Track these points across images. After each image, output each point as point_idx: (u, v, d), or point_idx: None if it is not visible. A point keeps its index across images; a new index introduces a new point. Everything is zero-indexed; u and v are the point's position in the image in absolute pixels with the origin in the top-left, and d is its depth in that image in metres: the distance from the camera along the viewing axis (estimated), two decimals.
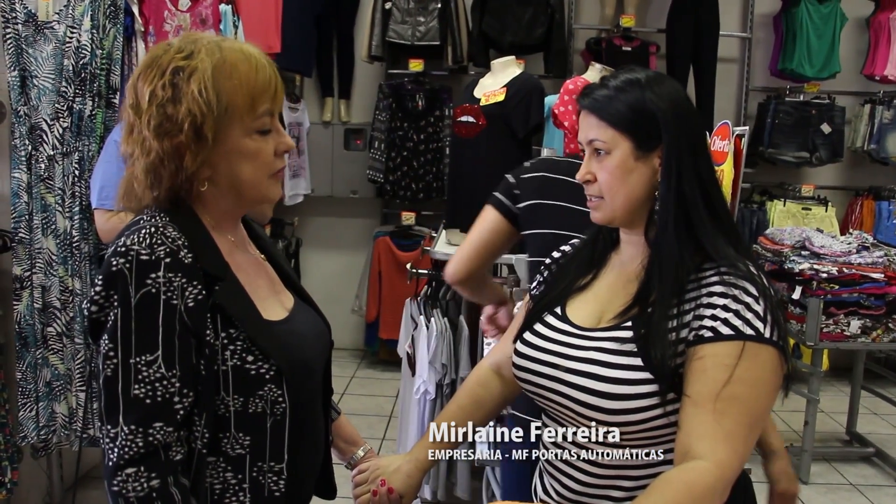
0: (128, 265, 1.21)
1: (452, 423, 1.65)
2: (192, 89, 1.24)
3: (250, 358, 1.28)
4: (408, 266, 3.36)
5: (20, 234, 2.94)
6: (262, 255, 1.48)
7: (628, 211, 1.39)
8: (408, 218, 5.53)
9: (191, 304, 1.23)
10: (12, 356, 3.06)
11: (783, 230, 4.50)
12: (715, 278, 1.32)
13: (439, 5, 5.47)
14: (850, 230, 5.07)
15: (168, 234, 1.24)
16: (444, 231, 3.47)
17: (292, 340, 1.36)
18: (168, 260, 1.22)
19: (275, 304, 1.40)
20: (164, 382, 1.21)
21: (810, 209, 5.66)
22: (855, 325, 4.11)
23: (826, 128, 5.69)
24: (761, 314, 1.27)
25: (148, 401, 1.20)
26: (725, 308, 1.27)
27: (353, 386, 5.45)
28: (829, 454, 4.53)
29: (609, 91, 1.38)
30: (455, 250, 3.28)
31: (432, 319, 3.17)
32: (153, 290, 1.20)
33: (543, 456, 1.49)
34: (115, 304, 1.21)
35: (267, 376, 1.29)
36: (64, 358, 3.02)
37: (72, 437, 3.09)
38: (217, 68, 1.26)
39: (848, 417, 4.77)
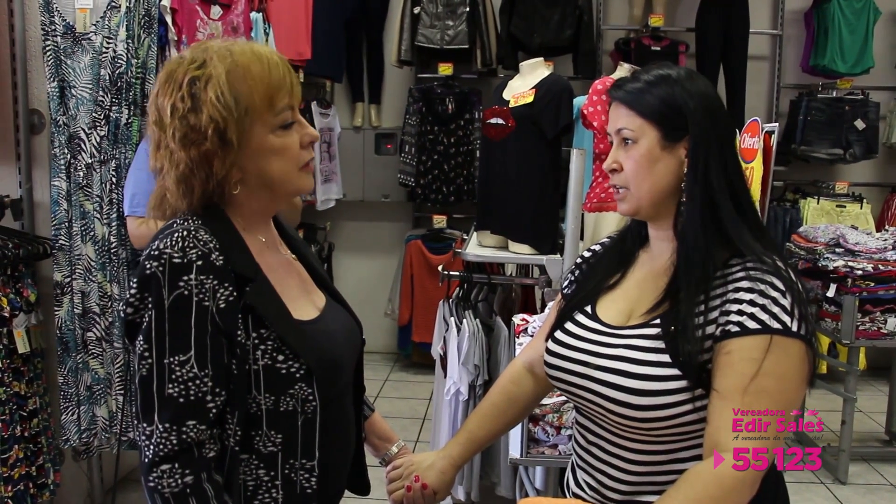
0: (161, 268, 1.24)
1: (485, 421, 1.67)
2: (210, 96, 1.27)
3: (281, 357, 1.31)
4: (439, 268, 3.37)
5: (60, 241, 3.00)
6: (294, 256, 1.51)
7: (653, 202, 1.40)
8: (439, 221, 5.54)
9: (222, 306, 1.26)
10: (54, 361, 3.12)
11: (817, 228, 4.45)
12: (741, 273, 1.32)
13: (468, 9, 5.49)
14: (886, 227, 5.00)
15: (200, 238, 1.27)
16: (475, 233, 3.48)
17: (322, 340, 1.38)
18: (200, 263, 1.25)
19: (306, 304, 1.43)
20: (197, 382, 1.24)
21: (845, 206, 5.58)
22: (892, 322, 4.05)
23: (860, 124, 5.61)
24: (788, 308, 1.27)
25: (181, 399, 1.23)
26: (752, 303, 1.27)
27: (386, 389, 5.48)
28: (867, 454, 4.48)
29: (640, 84, 1.40)
30: (486, 252, 3.30)
31: (464, 321, 3.18)
32: (185, 293, 1.24)
33: (576, 451, 1.51)
34: (150, 306, 1.24)
35: (297, 375, 1.32)
36: (104, 362, 3.08)
37: (112, 440, 3.14)
38: (230, 72, 1.29)
39: (887, 417, 4.71)
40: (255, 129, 1.31)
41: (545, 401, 2.58)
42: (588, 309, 1.49)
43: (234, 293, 1.28)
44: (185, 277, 1.24)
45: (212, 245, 1.27)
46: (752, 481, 1.22)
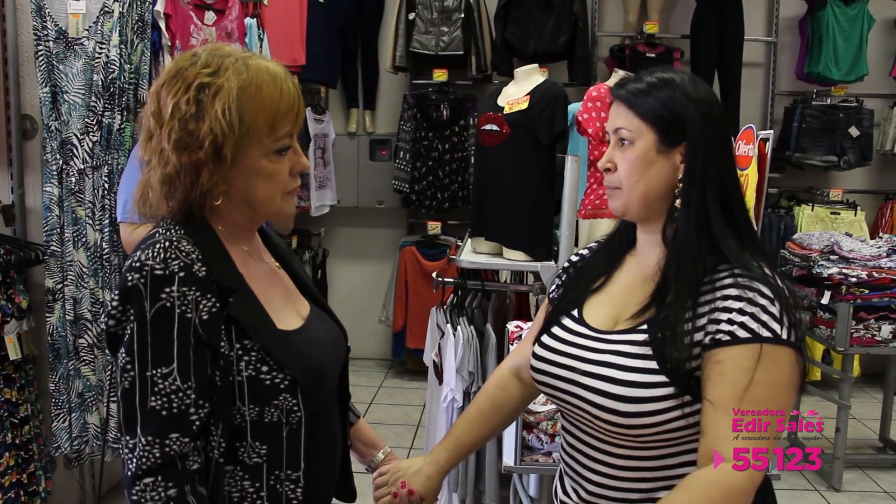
0: (142, 280, 1.22)
1: (472, 426, 1.67)
2: (217, 109, 1.25)
3: (265, 368, 1.29)
4: (434, 275, 3.36)
5: (52, 247, 2.99)
6: (278, 264, 1.50)
7: (643, 204, 1.40)
8: (433, 227, 5.53)
9: (205, 317, 1.25)
10: (45, 368, 3.10)
11: (811, 235, 4.46)
12: (729, 280, 1.32)
13: (463, 15, 5.49)
14: (881, 234, 5.01)
15: (182, 248, 1.25)
16: (469, 240, 3.47)
17: (307, 350, 1.37)
18: (182, 274, 1.23)
19: (290, 313, 1.41)
20: (180, 394, 1.23)
21: (839, 213, 5.59)
22: (886, 329, 4.06)
23: (854, 131, 5.62)
24: (777, 315, 1.27)
25: (164, 412, 1.22)
26: (741, 311, 1.27)
27: (380, 395, 5.46)
28: (861, 461, 4.47)
29: (643, 85, 1.40)
30: (480, 258, 3.30)
31: (458, 328, 3.17)
32: (168, 305, 1.22)
33: (562, 458, 1.50)
34: (132, 318, 1.23)
35: (282, 386, 1.30)
36: (95, 369, 3.06)
37: (104, 448, 3.12)
38: (243, 89, 1.26)
39: (881, 424, 4.71)
40: (251, 149, 1.29)
41: (539, 408, 2.58)
42: (575, 313, 1.49)
43: (217, 304, 1.26)
44: (168, 289, 1.22)
45: (194, 256, 1.26)
46: (751, 489, 1.22)
